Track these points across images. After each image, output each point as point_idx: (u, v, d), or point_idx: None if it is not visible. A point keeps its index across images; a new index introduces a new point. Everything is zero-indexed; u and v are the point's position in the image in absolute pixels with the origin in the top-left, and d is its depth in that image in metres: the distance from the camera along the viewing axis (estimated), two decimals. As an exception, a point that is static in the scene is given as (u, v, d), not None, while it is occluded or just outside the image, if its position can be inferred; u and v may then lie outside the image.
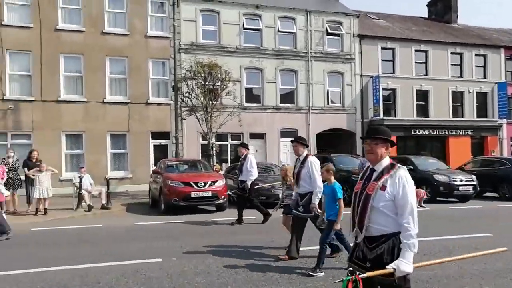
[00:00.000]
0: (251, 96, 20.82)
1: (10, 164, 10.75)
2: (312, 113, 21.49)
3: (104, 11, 18.16)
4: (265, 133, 20.64)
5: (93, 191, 11.80)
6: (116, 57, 18.33)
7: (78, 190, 11.45)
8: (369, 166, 2.96)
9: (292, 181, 6.36)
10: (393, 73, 23.36)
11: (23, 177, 11.21)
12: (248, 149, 9.80)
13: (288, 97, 21.46)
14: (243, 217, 9.19)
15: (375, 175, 2.85)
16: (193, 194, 10.84)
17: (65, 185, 15.31)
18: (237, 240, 7.34)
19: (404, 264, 2.58)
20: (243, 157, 9.50)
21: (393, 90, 23.38)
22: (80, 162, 16.66)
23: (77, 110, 17.64)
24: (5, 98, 16.69)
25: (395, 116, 23.04)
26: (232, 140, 20.03)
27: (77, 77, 17.96)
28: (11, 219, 10.05)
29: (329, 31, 22.02)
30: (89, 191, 11.61)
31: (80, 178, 11.40)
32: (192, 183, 10.99)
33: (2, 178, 10.00)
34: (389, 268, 2.60)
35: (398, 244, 2.68)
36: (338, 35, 22.32)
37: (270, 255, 6.20)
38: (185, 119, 17.17)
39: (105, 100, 18.05)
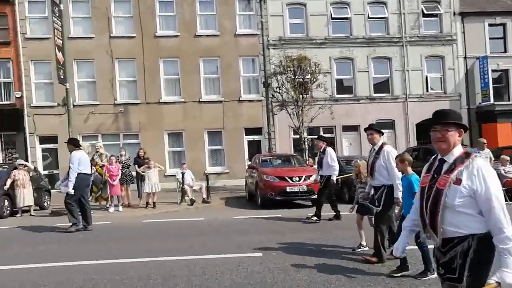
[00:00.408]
0: (342, 87, 20.23)
1: (123, 162, 11.91)
2: (409, 101, 20.15)
3: (196, 15, 19.10)
4: (359, 125, 19.87)
5: (194, 186, 12.53)
6: (208, 58, 19.19)
7: (181, 185, 12.26)
8: (436, 156, 2.58)
9: (366, 176, 6.00)
10: (505, 51, 20.79)
11: (134, 174, 12.35)
12: (326, 142, 9.43)
13: (382, 86, 20.39)
14: (341, 212, 8.96)
15: (445, 166, 2.45)
16: (288, 189, 10.89)
17: (169, 180, 16.49)
18: (336, 237, 7.17)
19: (510, 275, 2.18)
20: (321, 150, 9.13)
21: (505, 71, 20.83)
22: (181, 159, 17.87)
23: (177, 110, 18.89)
24: (116, 102, 18.55)
25: (508, 100, 20.51)
26: (324, 133, 19.70)
27: (175, 79, 19.21)
28: (126, 211, 11.18)
29: (425, 12, 20.37)
30: (191, 186, 12.35)
31: (183, 174, 12.20)
32: (286, 177, 11.04)
33: (118, 175, 11.16)
34: (492, 282, 2.20)
35: (475, 246, 2.32)
36: (436, 15, 20.54)
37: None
38: (276, 114, 17.35)
39: (200, 100, 19.04)
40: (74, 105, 15.48)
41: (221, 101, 19.12)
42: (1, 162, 17.39)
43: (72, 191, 8.38)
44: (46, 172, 17.43)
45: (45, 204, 12.77)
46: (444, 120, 2.48)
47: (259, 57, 18.74)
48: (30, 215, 11.23)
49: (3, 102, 18.27)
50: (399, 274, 4.87)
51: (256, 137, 19.53)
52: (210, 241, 7.18)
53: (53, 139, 18.29)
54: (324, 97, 17.18)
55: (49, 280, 5.03)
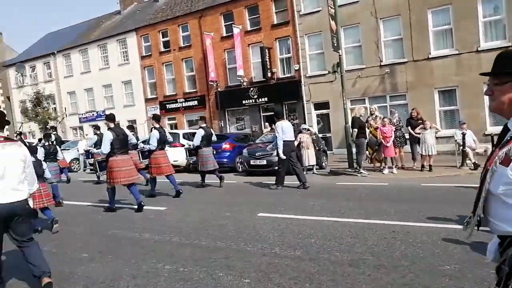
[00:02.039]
0: None
1: (395, 124, 11.72)
2: None
3: None
4: None
5: (477, 148, 11.06)
6: (490, -4, 16.17)
7: (461, 147, 11.06)
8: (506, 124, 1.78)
9: None
10: None
11: (407, 135, 11.98)
12: None
13: None
14: None
15: (507, 137, 1.72)
16: None
17: (440, 142, 15.21)
18: None
19: None
20: None
21: None
22: (454, 118, 16.13)
23: (448, 65, 16.97)
24: (382, 64, 18.36)
25: None
26: None
27: (446, 30, 17.19)
28: (400, 173, 11.05)
29: None
30: (473, 148, 10.96)
31: (463, 135, 10.95)
32: None
33: (391, 137, 11.08)
34: None
35: None
36: None
37: None
38: None
39: (479, 49, 16.38)
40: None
41: (507, 47, 15.87)
42: (286, 127, 20.42)
43: (283, 156, 9.50)
44: (320, 135, 19.29)
45: (323, 164, 14.21)
46: (494, 70, 1.79)
47: None
48: (313, 173, 12.72)
49: (285, 75, 21.23)
50: None
51: (559, 87, 15.32)
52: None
53: (325, 105, 20.00)
54: None
55: (345, 233, 5.47)
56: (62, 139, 24.18)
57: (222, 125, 23.39)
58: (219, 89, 23.16)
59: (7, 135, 4.32)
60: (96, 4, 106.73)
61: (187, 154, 11.65)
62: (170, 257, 4.88)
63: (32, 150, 6.83)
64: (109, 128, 7.96)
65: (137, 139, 11.88)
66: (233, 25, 21.92)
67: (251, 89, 21.94)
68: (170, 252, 5.11)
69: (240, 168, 14.06)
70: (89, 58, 29.40)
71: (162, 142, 9.52)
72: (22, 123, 29.13)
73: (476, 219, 1.79)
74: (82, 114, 30.07)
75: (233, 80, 22.94)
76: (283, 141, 9.54)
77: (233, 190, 10.27)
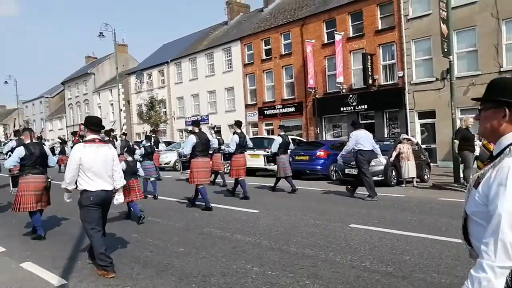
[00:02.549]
0: None
1: None
2: None
3: None
4: None
5: None
6: None
7: None
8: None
9: None
10: None
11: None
12: None
13: None
14: None
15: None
16: None
17: None
18: None
19: None
20: None
21: None
22: None
23: None
24: (501, 70, 16.45)
25: None
26: None
27: None
28: None
29: None
30: None
31: None
32: None
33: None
34: None
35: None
36: None
37: None
38: None
39: None
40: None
41: None
42: (386, 136, 19.47)
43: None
44: (424, 146, 17.95)
45: (425, 177, 13.22)
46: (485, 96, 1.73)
47: None
48: (413, 186, 11.90)
49: (388, 82, 20.28)
50: None
51: None
52: None
53: (430, 114, 18.60)
54: None
55: (445, 253, 5.00)
56: (170, 141, 26.41)
57: (318, 132, 23.21)
58: (317, 96, 23.06)
59: (102, 137, 5.18)
60: (208, 14, 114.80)
61: (265, 161, 12.14)
62: (259, 260, 4.99)
63: (131, 151, 8.01)
64: (193, 132, 8.70)
65: (221, 143, 12.80)
66: (335, 32, 21.67)
67: (350, 96, 21.40)
68: (259, 254, 5.23)
69: (334, 177, 13.79)
70: (197, 66, 31.66)
71: (242, 147, 10.23)
72: (124, 124, 32.16)
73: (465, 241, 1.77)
74: (188, 118, 32.46)
75: (331, 87, 22.65)
76: (360, 149, 9.60)
77: (325, 198, 10.11)
